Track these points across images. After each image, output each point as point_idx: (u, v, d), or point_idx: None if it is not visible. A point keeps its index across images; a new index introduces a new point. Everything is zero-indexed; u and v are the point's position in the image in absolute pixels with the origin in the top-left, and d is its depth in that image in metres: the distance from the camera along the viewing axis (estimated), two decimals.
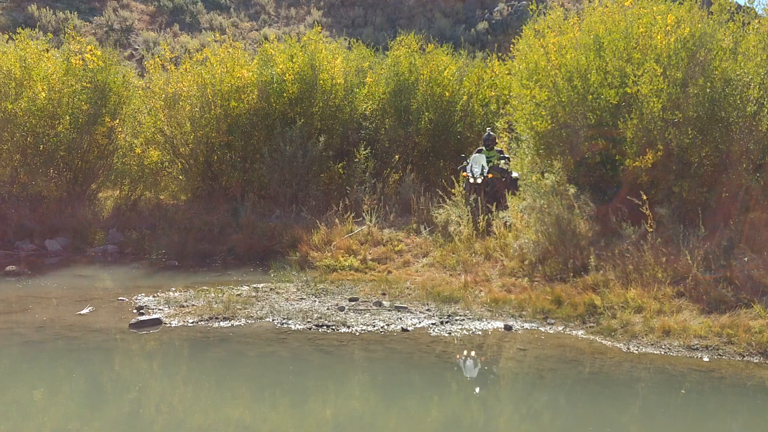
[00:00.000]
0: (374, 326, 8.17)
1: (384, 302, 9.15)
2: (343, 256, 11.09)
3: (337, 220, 11.98)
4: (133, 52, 25.50)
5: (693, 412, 6.22)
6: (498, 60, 16.87)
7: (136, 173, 14.64)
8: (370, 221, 11.85)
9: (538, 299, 8.80)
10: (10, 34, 15.78)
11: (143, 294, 9.67)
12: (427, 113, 15.11)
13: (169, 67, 14.88)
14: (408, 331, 8.02)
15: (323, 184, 14.10)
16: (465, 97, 15.62)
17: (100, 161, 14.56)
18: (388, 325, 8.22)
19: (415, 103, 15.10)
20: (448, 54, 15.92)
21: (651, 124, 9.62)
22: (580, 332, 8.01)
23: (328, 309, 8.83)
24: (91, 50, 14.27)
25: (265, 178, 14.01)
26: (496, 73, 16.37)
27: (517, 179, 11.99)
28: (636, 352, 7.35)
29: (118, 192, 15.08)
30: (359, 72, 15.61)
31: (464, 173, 12.08)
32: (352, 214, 12.08)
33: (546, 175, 10.25)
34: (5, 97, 13.32)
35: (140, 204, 14.73)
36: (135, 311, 8.75)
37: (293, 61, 14.38)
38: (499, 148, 12.74)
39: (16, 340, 7.77)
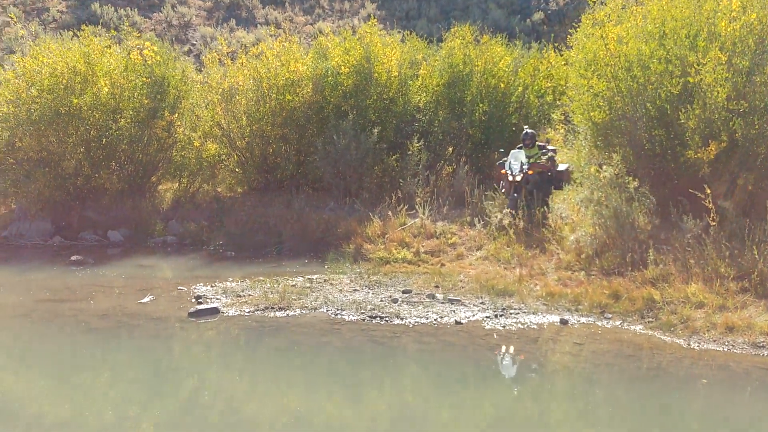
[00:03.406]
0: (427, 318, 8.16)
1: (437, 295, 9.13)
2: (396, 249, 11.11)
3: (390, 213, 11.98)
4: (191, 48, 26.02)
5: (758, 411, 6.03)
6: (554, 50, 16.58)
7: (195, 166, 14.91)
8: (424, 214, 11.83)
9: (595, 293, 8.64)
10: (75, 31, 16.28)
11: (201, 284, 9.88)
12: (481, 105, 14.96)
13: (225, 62, 15.10)
14: (461, 324, 7.99)
15: (376, 176, 14.11)
16: (520, 89, 15.40)
17: (160, 154, 14.87)
18: (441, 317, 8.20)
19: (469, 94, 14.97)
20: (503, 45, 15.71)
21: (714, 115, 9.31)
22: (639, 327, 7.85)
23: (381, 301, 8.86)
24: (149, 46, 14.60)
25: (319, 171, 14.10)
26: (553, 63, 16.09)
27: (564, 171, 11.80)
28: (697, 348, 7.16)
29: (177, 184, 15.39)
30: (413, 64, 15.55)
31: (503, 170, 11.54)
32: (405, 207, 12.07)
33: (604, 167, 10.04)
34: (71, 92, 13.73)
35: (198, 196, 15.01)
36: (193, 300, 8.95)
37: (349, 54, 14.43)
38: (541, 143, 12.18)
39: (80, 327, 8.04)
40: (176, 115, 14.68)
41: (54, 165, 13.86)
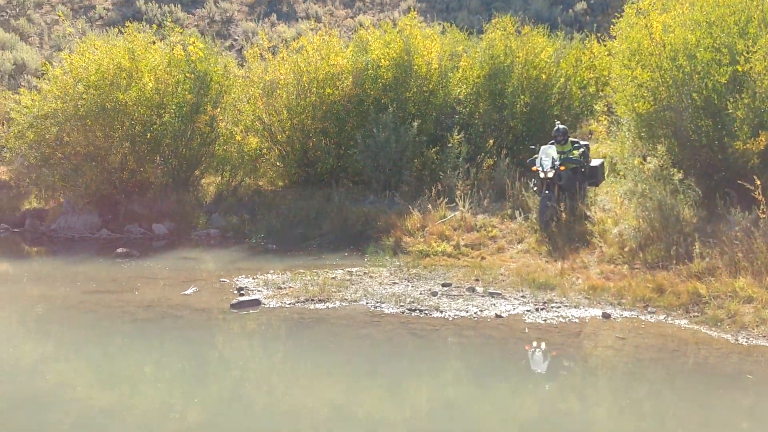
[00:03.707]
0: (467, 312, 8.13)
1: (477, 288, 9.09)
2: (436, 242, 11.08)
3: (430, 206, 11.95)
4: (233, 43, 26.30)
5: None
6: (597, 41, 16.33)
7: (237, 160, 15.10)
8: (464, 207, 11.77)
9: (638, 287, 8.50)
10: (120, 28, 16.60)
11: (243, 276, 10.00)
12: (522, 96, 14.82)
13: (266, 56, 15.24)
14: (502, 317, 7.94)
15: (416, 169, 14.09)
16: (562, 80, 15.21)
17: (203, 149, 15.10)
18: (481, 310, 8.16)
19: (510, 86, 14.84)
20: (544, 36, 15.53)
21: (764, 104, 9.06)
22: (684, 322, 7.69)
23: (420, 294, 8.86)
24: (193, 42, 14.80)
25: (358, 164, 14.15)
26: (595, 54, 15.85)
27: (598, 167, 11.58)
28: (745, 344, 6.99)
29: (219, 178, 15.61)
30: (453, 56, 15.47)
31: (534, 167, 11.15)
32: (446, 200, 12.03)
33: (648, 158, 9.85)
34: (116, 87, 14.02)
35: (240, 190, 15.19)
36: (236, 292, 9.07)
37: (389, 47, 14.42)
38: (574, 139, 11.84)
39: (126, 318, 8.23)
40: (218, 109, 14.88)
41: (100, 159, 14.18)
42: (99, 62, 14.04)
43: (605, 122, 14.28)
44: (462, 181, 12.52)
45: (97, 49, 14.38)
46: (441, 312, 8.11)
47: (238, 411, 5.74)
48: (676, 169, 9.47)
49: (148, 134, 14.31)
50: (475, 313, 8.08)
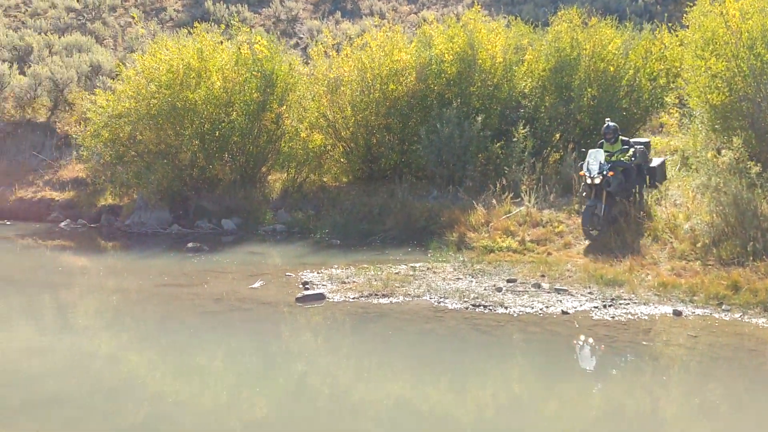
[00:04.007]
0: (533, 308, 8.03)
1: (543, 284, 8.96)
2: (500, 237, 10.97)
3: (494, 201, 11.85)
4: (298, 41, 26.63)
5: None
6: (668, 31, 15.81)
7: (302, 157, 15.28)
8: (529, 202, 11.62)
9: (711, 284, 8.22)
10: (189, 29, 17.03)
11: (308, 270, 10.14)
12: (589, 89, 14.49)
13: (331, 54, 15.37)
14: (568, 313, 7.81)
15: (480, 164, 13.95)
16: (631, 72, 14.80)
17: (269, 146, 15.35)
18: (547, 307, 8.05)
19: (576, 79, 14.53)
20: (612, 27, 15.14)
21: None
22: (762, 321, 7.40)
23: (485, 289, 8.79)
24: (259, 40, 15.07)
25: (422, 160, 14.12)
26: (666, 44, 15.33)
27: (658, 167, 11.00)
28: None
29: (285, 175, 15.84)
30: (518, 50, 15.26)
31: (582, 172, 10.56)
32: (510, 195, 11.89)
33: (723, 151, 9.51)
34: (186, 87, 14.41)
35: (305, 186, 15.39)
36: (301, 286, 9.20)
37: (453, 41, 14.34)
38: (624, 138, 11.01)
39: (196, 310, 8.46)
40: (284, 107, 15.09)
41: (171, 157, 14.60)
42: (170, 62, 14.45)
43: (676, 115, 13.84)
44: (527, 176, 12.36)
45: (167, 49, 14.79)
46: (506, 308, 8.03)
47: (303, 403, 5.82)
48: (753, 162, 9.11)
49: (217, 132, 14.65)
50: (540, 309, 7.97)
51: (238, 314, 8.21)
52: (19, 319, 8.45)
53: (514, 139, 13.38)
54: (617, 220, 10.45)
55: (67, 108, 19.47)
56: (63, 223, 15.81)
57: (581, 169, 10.58)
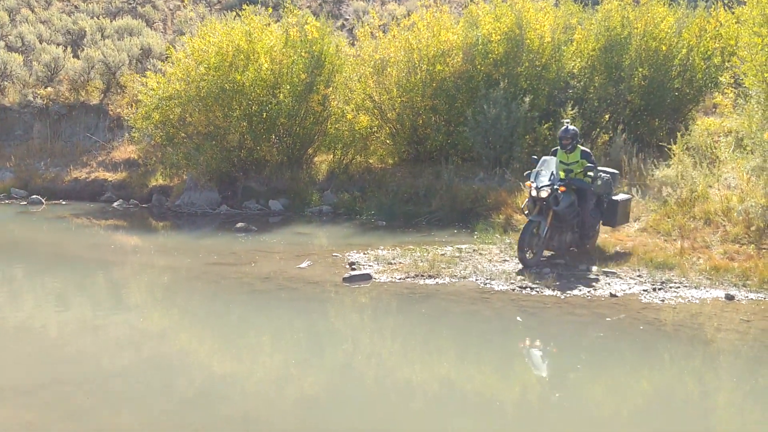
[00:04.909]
0: (580, 290, 7.97)
1: (591, 267, 8.86)
2: None
3: None
4: (344, 22, 26.62)
5: None
6: (724, 8, 15.33)
7: (348, 138, 15.36)
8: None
9: (766, 268, 8.02)
10: (237, 11, 17.19)
11: (354, 251, 10.22)
12: (640, 69, 14.20)
13: (377, 35, 15.36)
14: (617, 296, 7.72)
15: (528, 145, 13.84)
16: (684, 51, 14.44)
17: (316, 127, 15.47)
18: (595, 289, 7.97)
19: (627, 58, 14.24)
20: (665, 5, 14.77)
21: None
22: None
23: (531, 271, 8.74)
24: (309, 21, 15.12)
25: (468, 141, 14.05)
26: (722, 22, 14.89)
27: (621, 203, 9.46)
28: None
29: (331, 156, 15.96)
30: (567, 29, 15.01)
31: (528, 182, 9.00)
32: None
33: None
34: (234, 69, 14.58)
35: (351, 167, 15.48)
36: (347, 266, 9.29)
37: (500, 21, 14.18)
38: (585, 149, 9.18)
39: (245, 288, 8.62)
40: (330, 88, 15.16)
41: (220, 138, 14.83)
42: (218, 45, 14.63)
43: (731, 95, 13.45)
44: None
45: (216, 32, 14.97)
46: (553, 290, 7.98)
47: (349, 382, 5.91)
48: None
49: (264, 114, 14.81)
50: (588, 291, 7.90)
51: (286, 293, 8.34)
52: (74, 297, 8.74)
53: (563, 120, 13.20)
54: (566, 249, 9.26)
55: (118, 90, 19.92)
56: (116, 203, 16.24)
57: (528, 178, 9.03)
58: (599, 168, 9.46)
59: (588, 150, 9.25)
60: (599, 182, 9.27)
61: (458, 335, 7.00)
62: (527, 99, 13.39)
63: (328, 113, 15.39)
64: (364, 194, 14.22)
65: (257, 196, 15.03)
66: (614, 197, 9.55)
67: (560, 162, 9.04)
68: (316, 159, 16.05)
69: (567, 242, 9.26)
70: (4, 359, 6.24)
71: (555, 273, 8.62)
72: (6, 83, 20.30)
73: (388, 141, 15.58)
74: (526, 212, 9.04)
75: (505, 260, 9.35)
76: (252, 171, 15.44)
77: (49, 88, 20.07)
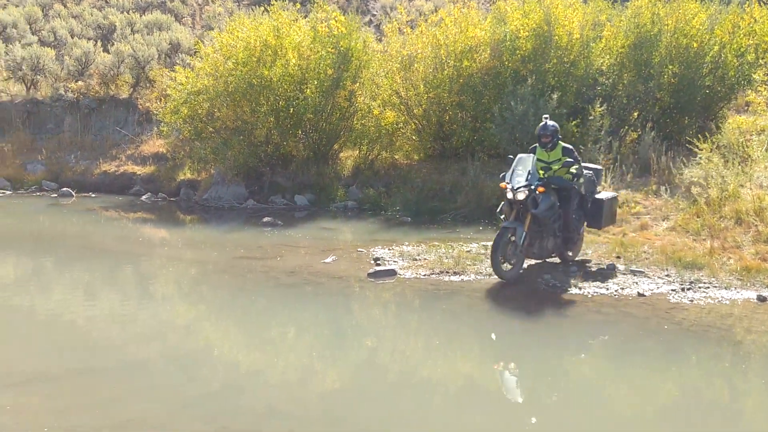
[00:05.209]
0: (607, 289, 7.89)
1: (618, 265, 8.78)
2: None
3: None
4: (372, 18, 26.63)
5: None
6: (758, 3, 15.06)
7: (374, 134, 15.36)
8: (605, 182, 11.36)
9: None
10: (265, 6, 17.26)
11: (379, 246, 10.23)
12: (670, 66, 14.00)
13: (405, 30, 15.34)
14: (644, 296, 7.64)
15: None
16: (716, 48, 14.20)
17: (342, 123, 15.49)
18: (622, 288, 7.89)
19: (657, 56, 14.06)
20: (697, 1, 14.55)
21: None
22: None
23: (559, 270, 8.67)
24: (336, 17, 15.15)
25: (495, 138, 13.98)
26: (756, 18, 14.63)
27: (606, 202, 8.84)
28: None
29: (357, 152, 15.98)
30: (596, 26, 14.87)
31: (503, 184, 8.29)
32: None
33: None
34: (262, 64, 14.65)
35: (377, 163, 15.48)
36: (372, 262, 9.30)
37: (528, 17, 14.08)
38: (567, 146, 8.50)
39: (271, 282, 8.67)
40: (357, 84, 15.17)
41: (247, 134, 14.92)
42: (246, 40, 14.71)
43: (765, 93, 13.23)
44: (603, 155, 12.09)
45: (244, 27, 15.05)
46: (579, 288, 7.92)
47: (372, 377, 5.92)
48: None
49: (291, 109, 14.86)
50: (615, 290, 7.83)
51: (311, 288, 8.37)
52: (102, 288, 8.86)
53: (591, 118, 13.09)
54: (548, 256, 8.63)
55: (148, 85, 20.13)
56: (144, 197, 16.44)
57: (503, 180, 8.31)
58: (565, 146, 8.53)
59: (570, 147, 8.49)
60: (581, 180, 8.50)
61: (482, 333, 6.97)
62: (555, 96, 13.27)
63: (355, 109, 15.40)
64: (390, 190, 14.23)
65: (283, 191, 15.11)
66: (598, 196, 8.87)
67: (539, 160, 8.38)
68: (341, 154, 16.08)
69: (549, 249, 8.52)
70: (34, 348, 6.35)
71: (582, 271, 8.55)
72: (39, 77, 20.62)
73: (414, 137, 15.56)
74: (503, 216, 8.32)
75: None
76: (278, 166, 15.52)
77: (79, 82, 20.36)
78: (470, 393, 5.62)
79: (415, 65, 14.74)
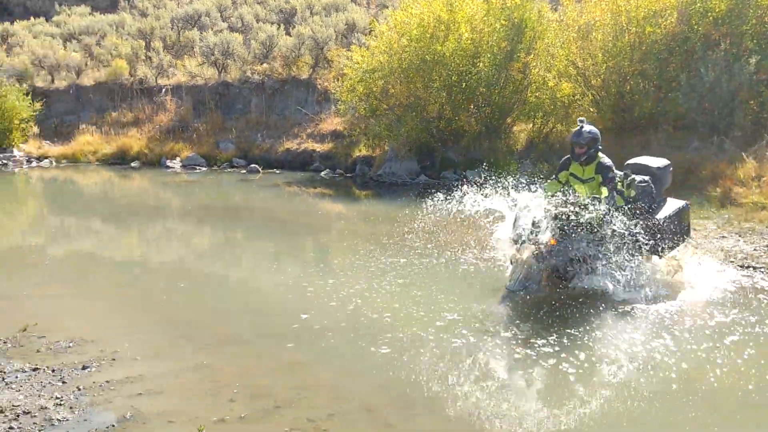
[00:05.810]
0: None
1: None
2: None
3: None
4: None
5: None
6: None
7: (549, 106, 14.93)
8: None
9: None
10: None
11: None
12: None
13: None
14: None
15: (752, 111, 12.54)
16: None
17: (515, 96, 15.19)
18: None
19: None
20: None
21: None
22: None
23: (755, 249, 7.97)
24: None
25: (681, 108, 13.04)
26: None
27: (673, 218, 6.63)
28: None
29: (530, 125, 15.61)
30: None
31: (511, 236, 6.65)
32: None
33: None
34: (435, 40, 14.69)
35: (552, 137, 15.03)
36: None
37: None
38: (605, 161, 6.52)
39: (444, 258, 8.72)
40: (531, 56, 14.78)
41: (420, 109, 15.08)
42: (420, 17, 14.81)
43: None
44: None
45: (418, 3, 15.15)
46: None
47: None
48: None
49: (464, 83, 14.80)
50: None
51: (483, 264, 8.33)
52: (285, 258, 9.38)
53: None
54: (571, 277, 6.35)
55: (326, 65, 20.92)
56: (323, 173, 17.20)
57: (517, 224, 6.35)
58: (604, 162, 6.57)
59: (608, 163, 6.53)
60: (631, 187, 6.51)
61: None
62: (753, 60, 12.10)
63: (529, 81, 15.04)
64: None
65: (455, 165, 15.13)
66: (662, 214, 6.72)
67: (573, 176, 6.74)
68: (514, 128, 15.80)
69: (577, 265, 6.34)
70: (224, 313, 6.87)
71: None
72: (228, 61, 22.14)
73: (591, 109, 14.90)
74: (511, 269, 6.57)
75: (722, 236, 8.63)
76: (450, 141, 15.55)
77: (264, 65, 21.60)
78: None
79: (593, 34, 14.07)
